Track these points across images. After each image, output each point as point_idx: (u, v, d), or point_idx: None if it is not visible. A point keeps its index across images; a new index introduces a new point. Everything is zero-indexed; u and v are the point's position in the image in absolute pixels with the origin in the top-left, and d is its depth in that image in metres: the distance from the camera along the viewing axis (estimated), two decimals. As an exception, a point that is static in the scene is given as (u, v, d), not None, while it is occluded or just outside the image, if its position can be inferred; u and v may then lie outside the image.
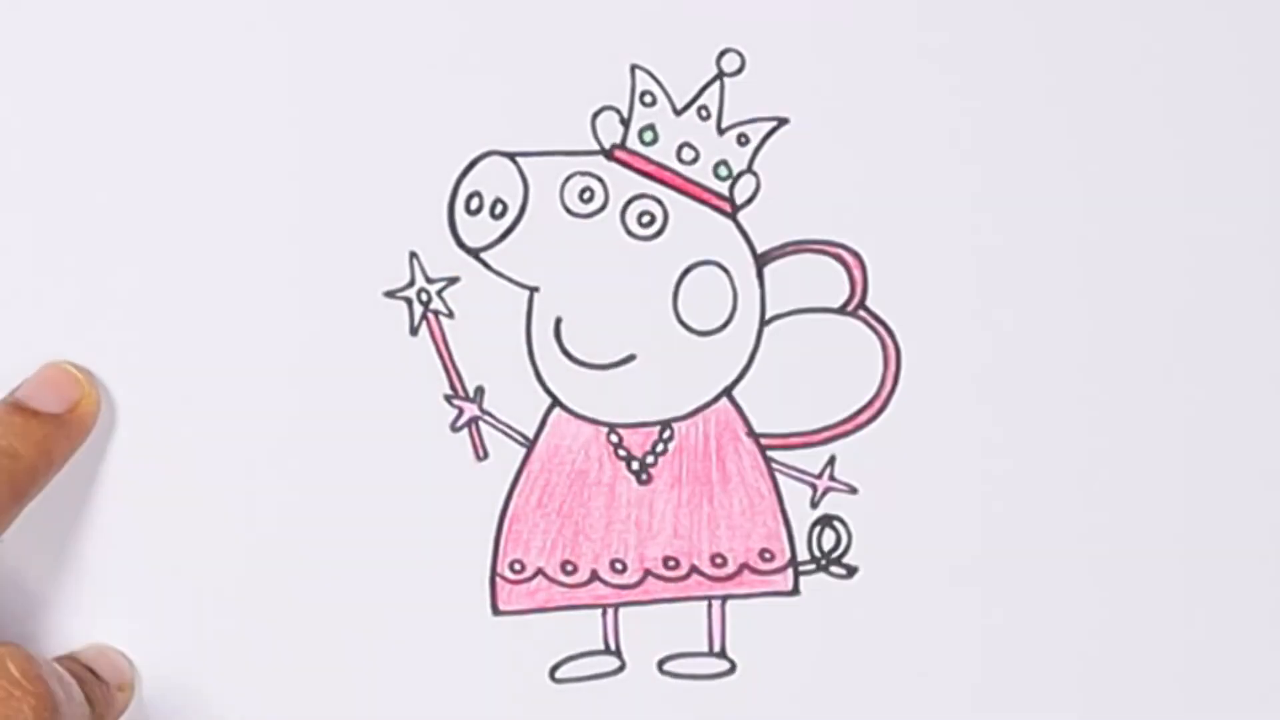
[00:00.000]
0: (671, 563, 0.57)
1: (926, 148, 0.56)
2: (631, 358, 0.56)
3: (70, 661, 0.54)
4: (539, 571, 0.57)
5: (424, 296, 0.55)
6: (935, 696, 0.58)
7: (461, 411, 0.56)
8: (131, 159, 0.53)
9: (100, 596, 0.55)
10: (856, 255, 0.57)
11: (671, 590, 0.57)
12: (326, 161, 0.54)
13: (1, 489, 0.51)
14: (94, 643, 0.55)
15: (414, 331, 0.55)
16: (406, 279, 0.55)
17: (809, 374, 0.57)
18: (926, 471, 0.57)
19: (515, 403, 0.56)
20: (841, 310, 0.57)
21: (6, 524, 0.51)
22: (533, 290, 0.56)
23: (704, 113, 0.56)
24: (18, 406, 0.53)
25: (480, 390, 0.56)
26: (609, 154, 0.56)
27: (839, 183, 0.56)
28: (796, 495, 0.57)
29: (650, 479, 0.57)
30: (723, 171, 0.56)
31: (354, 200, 0.54)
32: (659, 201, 0.56)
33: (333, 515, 0.55)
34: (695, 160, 0.56)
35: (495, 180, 0.55)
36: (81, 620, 0.55)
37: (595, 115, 0.55)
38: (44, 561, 0.55)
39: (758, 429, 0.57)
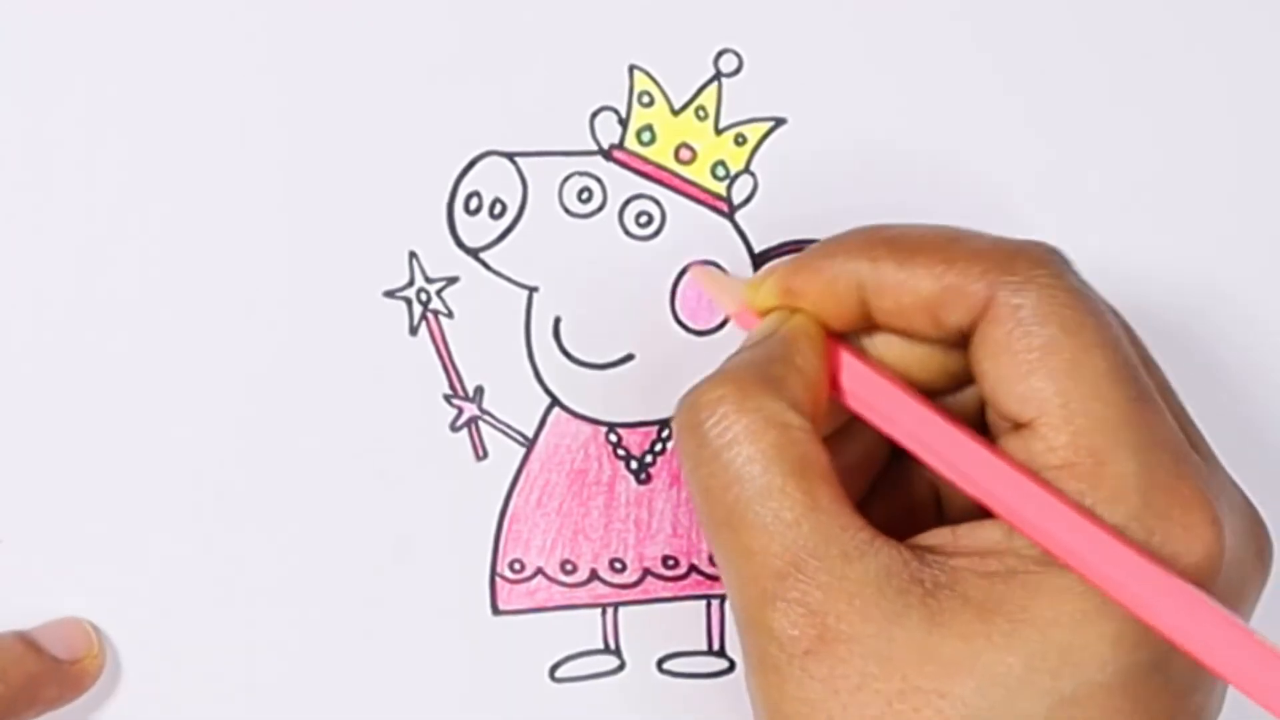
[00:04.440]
0: (670, 562, 0.57)
1: (924, 147, 0.57)
2: (630, 357, 0.56)
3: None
4: (538, 571, 0.57)
5: (423, 296, 0.55)
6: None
7: (461, 411, 0.56)
8: (130, 160, 0.53)
9: (100, 593, 0.55)
10: (854, 254, 0.57)
11: (670, 589, 0.57)
12: (326, 162, 0.54)
13: None
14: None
15: (413, 331, 0.55)
16: (406, 279, 0.55)
17: (807, 373, 0.57)
18: (924, 471, 0.57)
19: (515, 402, 0.56)
20: (839, 309, 0.57)
21: None
22: (532, 290, 0.56)
23: (701, 113, 0.56)
24: (22, 637, 0.52)
25: (480, 390, 0.56)
26: (607, 154, 0.56)
27: (836, 183, 0.56)
28: (795, 494, 0.57)
29: (649, 478, 0.57)
30: (720, 172, 0.56)
31: (354, 200, 0.54)
32: (657, 202, 0.56)
33: (333, 515, 0.55)
34: (693, 160, 0.56)
35: (494, 180, 0.55)
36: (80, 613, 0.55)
37: (593, 115, 0.55)
38: (47, 557, 0.55)
39: (756, 427, 0.57)
